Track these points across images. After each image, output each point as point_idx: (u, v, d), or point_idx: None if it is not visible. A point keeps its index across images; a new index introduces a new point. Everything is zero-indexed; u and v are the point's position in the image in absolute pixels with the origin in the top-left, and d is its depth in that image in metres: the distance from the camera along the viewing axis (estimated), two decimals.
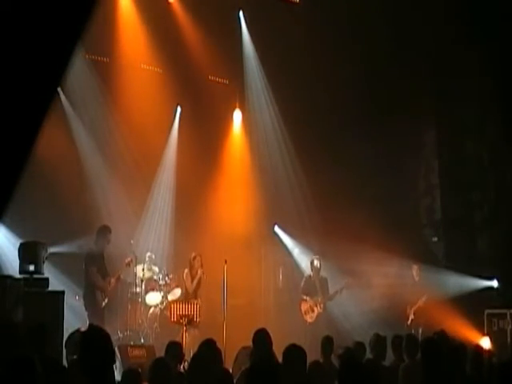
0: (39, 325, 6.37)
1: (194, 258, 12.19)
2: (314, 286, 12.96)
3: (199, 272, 12.08)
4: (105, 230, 11.61)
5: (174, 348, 6.87)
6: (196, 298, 12.07)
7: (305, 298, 12.94)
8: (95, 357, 3.78)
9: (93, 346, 3.83)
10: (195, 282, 12.12)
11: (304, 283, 13.16)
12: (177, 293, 12.50)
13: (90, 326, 3.96)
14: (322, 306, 12.84)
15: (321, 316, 12.84)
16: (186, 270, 12.20)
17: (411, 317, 12.82)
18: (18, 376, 3.71)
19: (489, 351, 9.60)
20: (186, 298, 12.04)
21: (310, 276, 13.15)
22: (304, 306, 12.93)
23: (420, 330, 12.33)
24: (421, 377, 6.18)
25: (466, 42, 13.53)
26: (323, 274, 13.14)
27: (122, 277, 11.96)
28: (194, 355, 5.99)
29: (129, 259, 11.82)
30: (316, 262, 13.05)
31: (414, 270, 13.25)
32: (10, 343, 5.82)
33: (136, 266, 12.31)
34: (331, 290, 12.98)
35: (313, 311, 12.85)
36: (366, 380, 4.59)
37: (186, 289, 12.19)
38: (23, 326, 6.29)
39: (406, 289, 13.30)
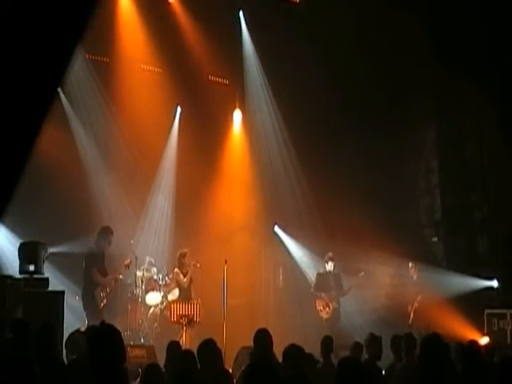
0: (48, 325, 6.38)
1: (185, 254, 12.25)
2: (328, 282, 12.89)
3: (191, 267, 12.15)
4: (107, 231, 11.62)
5: (174, 348, 6.86)
6: (191, 296, 12.10)
7: (319, 294, 12.88)
8: (107, 353, 3.73)
9: (105, 342, 3.78)
10: (187, 278, 12.19)
11: (317, 280, 13.08)
12: (177, 293, 12.50)
13: (102, 322, 3.89)
14: (337, 300, 12.79)
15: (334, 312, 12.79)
16: (176, 269, 12.27)
17: (412, 316, 12.80)
18: (15, 376, 3.70)
19: (486, 346, 9.54)
20: (184, 296, 12.06)
21: (323, 272, 13.06)
22: (319, 304, 12.85)
23: (421, 330, 12.31)
24: (417, 376, 6.17)
25: (467, 43, 13.52)
26: (336, 270, 13.08)
27: (121, 277, 11.99)
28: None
29: (128, 261, 11.84)
30: (330, 261, 12.96)
31: (411, 268, 13.23)
32: (23, 342, 5.84)
33: (136, 266, 12.33)
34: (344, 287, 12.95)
35: (328, 307, 12.79)
36: (364, 380, 4.59)
37: (181, 286, 12.24)
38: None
39: (407, 288, 13.29)
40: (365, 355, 7.39)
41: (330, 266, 12.96)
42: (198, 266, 12.13)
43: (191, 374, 5.20)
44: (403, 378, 6.69)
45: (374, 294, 14.03)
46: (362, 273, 13.01)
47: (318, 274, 13.17)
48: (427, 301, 12.67)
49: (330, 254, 13.05)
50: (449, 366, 5.95)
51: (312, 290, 13.14)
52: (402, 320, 12.80)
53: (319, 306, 12.86)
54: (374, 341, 7.41)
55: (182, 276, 12.20)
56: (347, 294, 12.98)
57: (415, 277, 13.19)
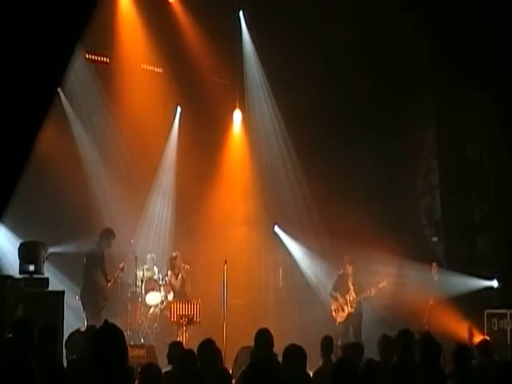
0: (50, 325, 6.38)
1: (176, 257, 12.57)
2: (347, 284, 12.79)
3: (182, 269, 12.48)
4: (109, 234, 11.63)
5: (176, 348, 6.85)
6: (186, 296, 12.20)
7: (335, 294, 12.77)
8: (111, 352, 3.72)
9: (109, 341, 3.77)
10: (179, 279, 12.45)
11: (336, 281, 12.97)
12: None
13: (105, 321, 3.88)
14: (353, 305, 12.66)
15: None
16: (170, 272, 12.46)
17: (426, 315, 12.68)
18: (15, 376, 3.70)
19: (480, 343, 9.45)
20: (178, 297, 12.18)
21: (342, 274, 12.95)
22: (334, 305, 12.74)
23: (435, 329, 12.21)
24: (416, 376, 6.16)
25: (467, 43, 13.52)
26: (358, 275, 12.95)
27: (120, 275, 12.02)
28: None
29: (122, 264, 11.85)
30: (348, 265, 12.84)
31: (434, 268, 13.15)
32: (24, 342, 5.84)
33: (137, 266, 12.36)
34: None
35: (343, 310, 12.65)
36: (359, 381, 4.59)
37: (173, 288, 12.49)
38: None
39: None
40: (377, 357, 7.33)
41: (348, 269, 12.83)
42: (188, 267, 12.64)
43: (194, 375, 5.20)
44: (403, 377, 6.66)
45: (376, 294, 13.99)
46: (385, 282, 12.80)
47: (338, 275, 13.05)
48: (435, 301, 12.60)
49: (348, 256, 12.90)
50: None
51: (331, 289, 13.01)
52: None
53: (333, 308, 12.77)
54: (386, 342, 7.35)
55: (174, 278, 12.53)
56: (370, 295, 12.75)
57: (436, 277, 13.11)
